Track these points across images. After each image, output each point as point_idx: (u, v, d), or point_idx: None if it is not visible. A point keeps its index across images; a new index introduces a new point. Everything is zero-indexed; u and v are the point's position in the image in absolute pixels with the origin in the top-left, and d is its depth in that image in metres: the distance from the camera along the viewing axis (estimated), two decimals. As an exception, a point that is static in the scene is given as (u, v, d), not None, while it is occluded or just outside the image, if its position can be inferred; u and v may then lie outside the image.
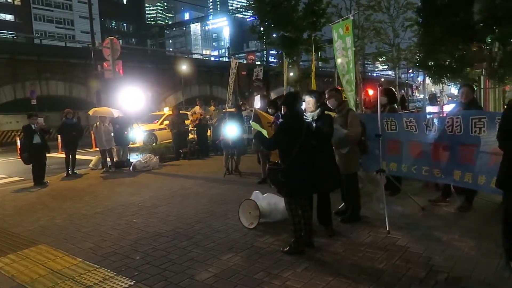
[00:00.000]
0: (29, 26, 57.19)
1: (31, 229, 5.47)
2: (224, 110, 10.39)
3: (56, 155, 13.19)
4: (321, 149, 4.18)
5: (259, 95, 10.79)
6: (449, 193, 5.66)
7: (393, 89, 7.05)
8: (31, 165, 8.93)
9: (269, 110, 7.68)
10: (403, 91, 46.69)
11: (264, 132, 4.26)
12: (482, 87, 13.31)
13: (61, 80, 27.11)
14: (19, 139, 9.16)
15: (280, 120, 4.32)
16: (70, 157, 10.03)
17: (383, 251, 4.02)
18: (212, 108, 14.40)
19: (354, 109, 5.89)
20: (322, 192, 4.52)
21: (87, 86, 26.32)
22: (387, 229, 4.54)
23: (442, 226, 4.68)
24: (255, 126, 4.45)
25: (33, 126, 8.93)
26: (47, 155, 9.35)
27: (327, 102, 5.05)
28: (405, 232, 4.52)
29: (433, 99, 15.27)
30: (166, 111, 17.61)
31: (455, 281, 3.33)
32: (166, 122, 14.13)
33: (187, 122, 13.23)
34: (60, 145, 13.64)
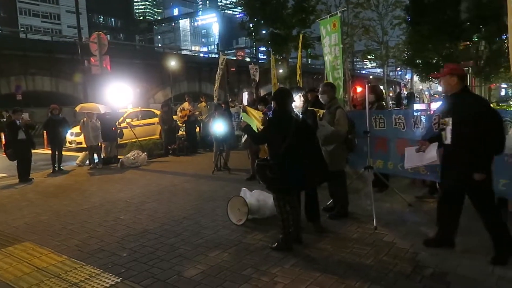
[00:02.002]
0: (14, 20, 56.18)
1: (16, 226, 5.38)
2: (220, 103, 10.33)
3: (42, 151, 13.00)
4: (309, 145, 4.18)
5: (246, 92, 10.77)
6: (436, 190, 5.72)
7: (380, 86, 7.10)
8: (16, 161, 8.78)
9: (259, 107, 7.67)
10: (398, 89, 47.09)
11: (254, 124, 4.25)
12: (468, 85, 13.50)
13: (47, 75, 26.70)
14: (4, 135, 8.99)
15: (270, 113, 4.31)
16: (57, 153, 9.90)
17: (371, 247, 4.05)
18: (203, 104, 14.33)
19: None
20: (311, 188, 4.53)
21: (73, 82, 25.98)
22: (375, 225, 4.57)
23: (428, 222, 4.72)
24: (246, 118, 4.43)
25: (17, 122, 8.79)
26: (33, 151, 9.20)
27: (320, 97, 5.05)
28: (392, 228, 4.56)
29: (411, 98, 15.40)
30: (130, 108, 16.56)
31: (440, 276, 3.38)
32: (128, 120, 13.99)
33: (174, 117, 13.16)
34: (46, 141, 13.43)
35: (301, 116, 4.26)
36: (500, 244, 3.56)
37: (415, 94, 27.17)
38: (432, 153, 3.93)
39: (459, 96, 3.61)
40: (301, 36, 12.88)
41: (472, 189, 3.57)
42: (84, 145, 13.35)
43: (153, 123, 15.70)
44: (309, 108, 4.48)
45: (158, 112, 16.96)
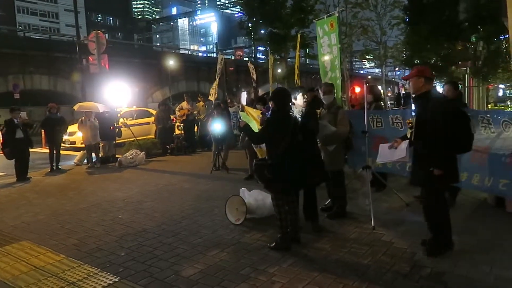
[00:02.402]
0: (12, 19, 55.99)
1: (13, 225, 5.37)
2: (219, 103, 10.33)
3: (40, 150, 12.97)
4: (307, 145, 4.18)
5: (245, 91, 10.78)
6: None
7: (378, 86, 7.11)
8: (13, 160, 8.76)
9: (257, 106, 7.68)
10: (397, 89, 47.14)
11: (253, 124, 4.26)
12: (466, 85, 13.52)
13: (45, 74, 26.61)
14: (1, 134, 8.96)
15: (269, 113, 4.32)
16: (54, 152, 9.88)
17: (368, 247, 4.06)
18: (201, 104, 14.31)
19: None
20: (309, 187, 4.54)
21: (71, 81, 25.91)
22: (373, 225, 4.58)
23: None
24: (244, 118, 4.44)
25: (15, 120, 8.76)
26: (31, 150, 9.18)
27: (323, 97, 5.05)
28: (390, 228, 4.57)
29: (399, 100, 15.41)
30: (125, 108, 15.72)
31: (438, 276, 3.38)
32: (122, 120, 13.81)
33: (172, 116, 13.15)
34: (44, 140, 13.39)
35: (301, 116, 4.26)
36: (437, 237, 3.77)
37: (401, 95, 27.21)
38: (401, 150, 4.12)
39: (425, 97, 3.72)
40: (299, 36, 12.89)
41: (426, 185, 3.74)
42: (77, 144, 13.40)
43: (148, 123, 15.64)
44: (310, 108, 4.47)
45: (153, 112, 16.98)
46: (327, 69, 6.51)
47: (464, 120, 3.59)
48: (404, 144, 4.09)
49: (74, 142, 13.88)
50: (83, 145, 12.95)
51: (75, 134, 13.54)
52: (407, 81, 4.03)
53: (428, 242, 3.83)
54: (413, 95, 3.93)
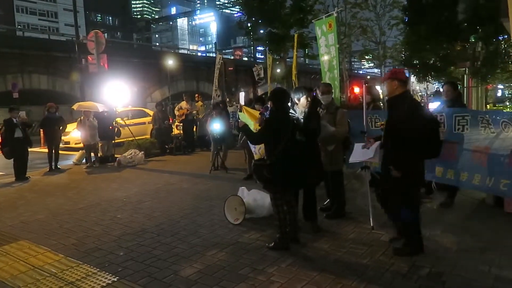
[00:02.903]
0: (11, 18, 55.88)
1: (12, 225, 5.36)
2: (218, 103, 10.37)
3: (39, 150, 12.95)
4: (307, 145, 4.18)
5: (243, 91, 10.79)
6: (432, 190, 5.75)
7: (377, 87, 7.12)
8: (12, 159, 8.74)
9: (256, 107, 7.67)
10: None
11: (252, 124, 4.26)
12: (465, 85, 13.53)
13: (44, 73, 26.54)
14: (0, 133, 8.94)
15: (267, 113, 4.31)
16: (53, 151, 9.86)
17: (367, 247, 4.06)
18: (200, 103, 14.31)
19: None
20: (307, 187, 4.54)
21: (70, 80, 25.86)
22: (371, 225, 4.58)
23: (424, 222, 4.71)
24: (243, 118, 4.43)
25: (14, 120, 8.75)
26: (30, 149, 9.17)
27: (321, 97, 5.04)
28: (389, 228, 4.56)
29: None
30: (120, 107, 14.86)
31: (436, 276, 3.39)
32: (118, 119, 13.69)
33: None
34: (42, 140, 13.37)
35: (304, 117, 4.26)
36: (408, 238, 3.84)
37: None
38: (371, 151, 4.16)
39: (397, 100, 3.75)
40: (296, 35, 12.89)
41: (393, 185, 3.79)
42: (72, 144, 13.33)
43: (144, 123, 15.61)
44: (312, 109, 4.47)
45: (149, 112, 16.96)
46: (326, 69, 6.52)
47: (434, 126, 3.71)
48: (375, 145, 4.14)
49: (68, 142, 13.76)
50: (77, 145, 13.00)
51: (69, 134, 13.41)
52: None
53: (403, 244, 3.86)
54: (386, 97, 3.99)
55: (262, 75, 16.27)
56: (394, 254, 3.80)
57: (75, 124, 11.87)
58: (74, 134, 12.93)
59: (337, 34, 6.38)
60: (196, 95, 14.77)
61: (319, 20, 6.86)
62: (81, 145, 12.57)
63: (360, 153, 4.37)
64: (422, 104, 6.05)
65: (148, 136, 14.44)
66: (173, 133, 12.89)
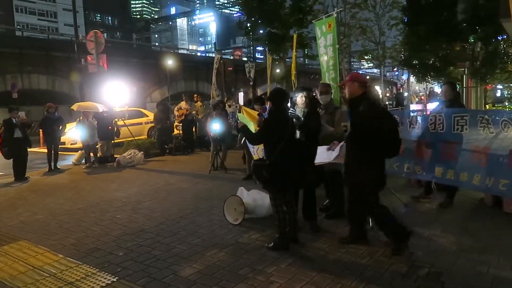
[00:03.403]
0: (11, 18, 55.82)
1: (11, 225, 5.36)
2: (218, 103, 10.38)
3: (38, 150, 12.94)
4: (306, 145, 4.19)
5: (242, 92, 10.80)
6: (431, 190, 5.75)
7: (376, 87, 7.11)
8: (12, 159, 8.73)
9: (255, 107, 7.67)
10: (395, 89, 47.19)
11: (251, 125, 4.26)
12: (464, 86, 13.55)
13: (44, 73, 26.52)
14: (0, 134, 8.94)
15: (266, 113, 4.33)
16: (52, 152, 9.86)
17: (366, 247, 4.06)
18: (199, 104, 14.31)
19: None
20: (307, 188, 4.54)
21: (70, 80, 25.84)
22: (371, 225, 4.58)
23: (424, 222, 4.75)
24: (242, 119, 4.44)
25: (14, 120, 8.74)
26: (29, 149, 9.16)
27: (320, 97, 5.04)
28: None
29: (400, 99, 15.42)
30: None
31: (436, 275, 3.39)
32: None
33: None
34: (42, 140, 13.36)
35: (304, 117, 4.26)
36: (353, 230, 4.08)
37: (405, 95, 27.27)
38: (336, 152, 4.24)
39: (358, 101, 3.83)
40: (295, 36, 12.90)
41: (351, 184, 3.94)
42: (67, 145, 13.27)
43: (141, 123, 15.59)
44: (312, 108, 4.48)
45: (146, 112, 16.96)
46: (325, 69, 6.53)
47: (392, 125, 3.77)
48: (339, 145, 4.22)
49: (63, 143, 13.65)
50: (72, 146, 12.97)
51: (64, 134, 13.33)
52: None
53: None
54: (348, 99, 4.05)
55: (252, 75, 16.24)
56: (392, 255, 3.81)
57: (73, 124, 11.85)
58: (69, 134, 12.77)
59: (336, 34, 6.38)
60: (195, 95, 14.75)
61: (319, 21, 6.87)
62: (77, 145, 12.65)
63: (326, 155, 4.45)
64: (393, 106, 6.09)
65: (145, 137, 14.44)
66: (173, 133, 12.90)
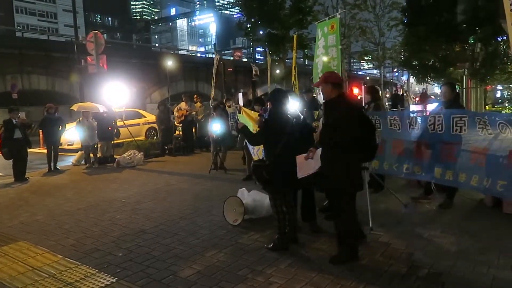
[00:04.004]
0: (11, 19, 55.87)
1: (11, 226, 5.36)
2: (218, 103, 10.42)
3: (38, 151, 12.94)
4: (306, 146, 4.18)
5: (241, 92, 10.82)
6: (431, 191, 5.75)
7: (377, 87, 7.12)
8: (12, 160, 8.73)
9: (255, 107, 7.67)
10: (394, 90, 47.20)
11: (251, 125, 4.26)
12: (464, 86, 13.54)
13: (43, 74, 26.52)
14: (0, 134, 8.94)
15: (266, 114, 4.32)
16: (52, 152, 9.86)
17: (366, 247, 4.06)
18: (199, 104, 14.31)
19: None
20: (306, 188, 4.54)
21: (70, 81, 25.83)
22: (370, 225, 4.59)
23: (423, 222, 4.76)
24: (242, 119, 4.44)
25: (14, 120, 8.74)
26: (29, 150, 9.16)
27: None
28: (388, 229, 4.58)
29: (397, 100, 15.40)
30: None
31: (435, 276, 3.39)
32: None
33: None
34: (42, 140, 13.35)
35: (302, 115, 4.27)
36: (341, 243, 3.78)
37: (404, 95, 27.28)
38: (316, 160, 3.87)
39: (332, 102, 3.77)
40: (295, 36, 12.91)
41: (328, 189, 3.87)
42: (63, 146, 13.23)
43: (139, 124, 15.56)
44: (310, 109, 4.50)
45: (143, 113, 16.94)
46: (319, 70, 6.53)
47: (369, 128, 3.77)
48: (318, 153, 3.94)
49: (60, 143, 13.63)
50: (69, 147, 12.95)
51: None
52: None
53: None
54: (323, 101, 3.99)
55: (258, 74, 16.51)
56: (329, 262, 3.70)
57: (73, 125, 11.83)
58: (66, 135, 12.65)
59: (339, 35, 6.37)
60: (195, 96, 14.75)
61: (322, 22, 6.88)
62: (73, 146, 12.64)
63: (307, 165, 4.00)
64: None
65: (143, 138, 14.43)
66: (174, 133, 12.91)
